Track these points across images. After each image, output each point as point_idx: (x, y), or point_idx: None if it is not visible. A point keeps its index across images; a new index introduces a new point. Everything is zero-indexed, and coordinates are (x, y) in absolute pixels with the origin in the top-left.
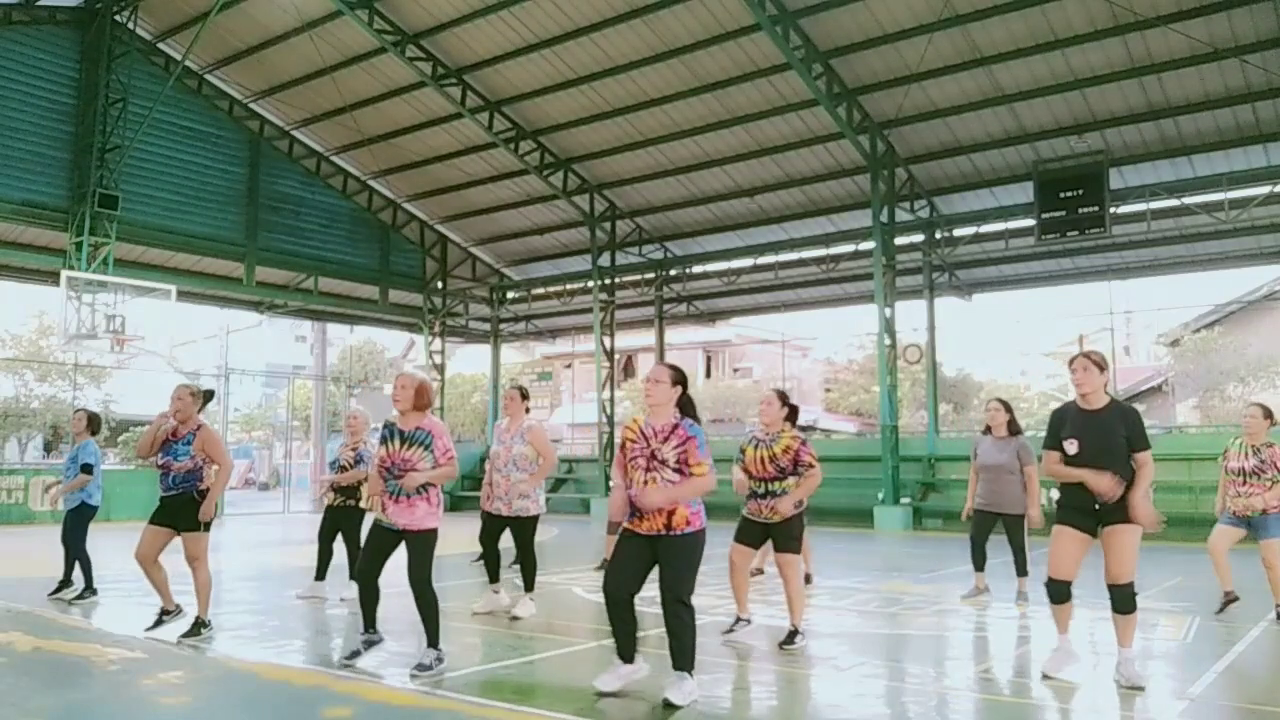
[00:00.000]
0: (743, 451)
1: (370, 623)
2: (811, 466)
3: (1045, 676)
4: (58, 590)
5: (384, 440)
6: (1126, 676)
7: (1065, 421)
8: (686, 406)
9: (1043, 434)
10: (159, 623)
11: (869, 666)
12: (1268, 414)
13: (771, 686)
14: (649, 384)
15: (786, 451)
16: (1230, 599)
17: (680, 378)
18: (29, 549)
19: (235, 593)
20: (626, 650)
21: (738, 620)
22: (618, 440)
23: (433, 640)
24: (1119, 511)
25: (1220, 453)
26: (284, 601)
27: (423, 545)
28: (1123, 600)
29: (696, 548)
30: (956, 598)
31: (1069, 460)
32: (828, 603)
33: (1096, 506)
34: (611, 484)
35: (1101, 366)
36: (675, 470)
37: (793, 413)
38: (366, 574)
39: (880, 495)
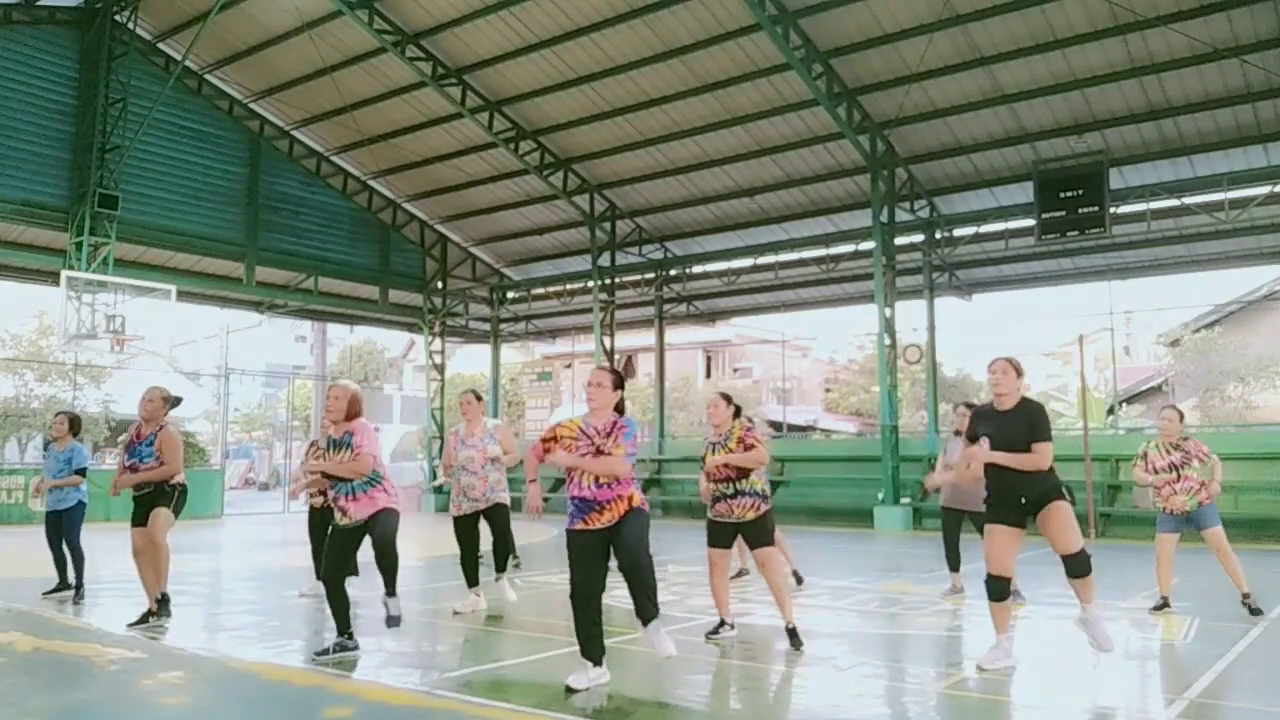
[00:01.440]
0: (703, 459)
1: (344, 626)
2: (754, 446)
3: (980, 668)
4: (56, 590)
5: (325, 451)
6: (1095, 638)
7: (981, 419)
8: (620, 408)
9: None
10: (144, 620)
11: (869, 666)
12: (1182, 417)
13: (771, 686)
14: (592, 388)
15: (740, 442)
16: (1166, 605)
17: (620, 382)
18: (29, 549)
19: (235, 593)
20: (595, 653)
21: (721, 624)
22: (543, 433)
23: (392, 589)
24: (1041, 500)
25: (1136, 457)
26: (284, 601)
27: (387, 519)
28: (1078, 564)
29: (647, 521)
30: (957, 598)
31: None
32: (828, 603)
33: (1022, 500)
34: (528, 480)
35: (1019, 371)
36: None
37: (737, 411)
38: (335, 577)
39: (880, 495)
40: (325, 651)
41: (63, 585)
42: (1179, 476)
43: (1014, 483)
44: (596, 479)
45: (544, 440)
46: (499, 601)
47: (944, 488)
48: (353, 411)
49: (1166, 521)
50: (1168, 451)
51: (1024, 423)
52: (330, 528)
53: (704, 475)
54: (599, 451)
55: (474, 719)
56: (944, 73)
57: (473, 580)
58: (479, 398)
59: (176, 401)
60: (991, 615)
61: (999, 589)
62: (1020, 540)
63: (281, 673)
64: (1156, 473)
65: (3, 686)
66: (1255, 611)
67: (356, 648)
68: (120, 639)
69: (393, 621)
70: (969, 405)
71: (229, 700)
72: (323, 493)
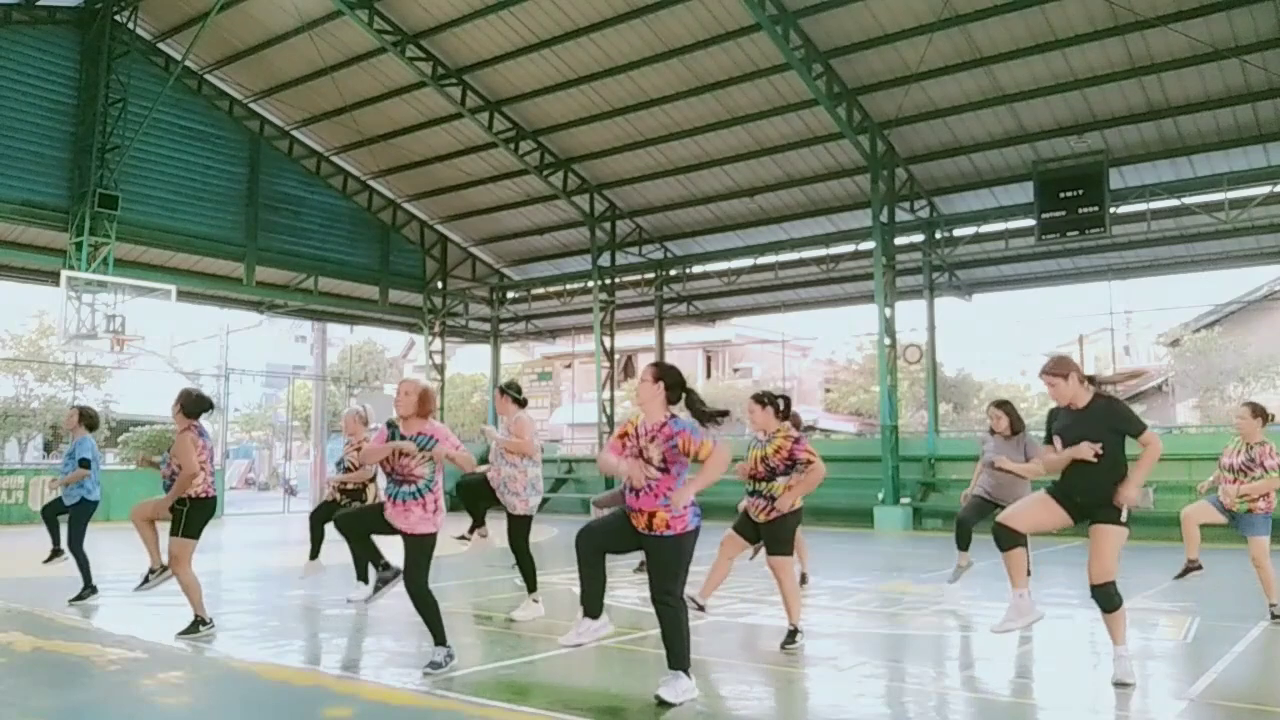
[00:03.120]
0: (748, 450)
1: (375, 558)
2: (810, 463)
3: (994, 632)
4: (80, 596)
5: (389, 440)
6: (1115, 673)
7: (1055, 419)
8: (693, 403)
9: (1042, 432)
10: (145, 581)
11: (869, 666)
12: (1257, 412)
13: (771, 686)
14: (640, 384)
15: (778, 452)
16: (1193, 566)
17: (661, 374)
18: (29, 549)
19: (235, 593)
20: (592, 606)
21: (690, 600)
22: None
23: (439, 639)
24: (1104, 511)
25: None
26: (284, 601)
27: (418, 550)
28: (1104, 599)
29: (678, 550)
30: (956, 597)
31: None
32: (828, 603)
33: (1076, 499)
34: (606, 452)
35: (1064, 375)
36: (659, 468)
37: (786, 408)
38: (352, 528)
39: (880, 495)
40: (437, 665)
41: (88, 589)
42: (1234, 479)
43: (1073, 479)
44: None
45: (617, 438)
46: (503, 598)
47: (984, 478)
48: (424, 409)
49: (1212, 500)
50: (1240, 452)
51: (1104, 421)
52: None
53: (744, 467)
54: (640, 453)
55: (474, 719)
56: (944, 73)
57: (531, 585)
58: (502, 391)
59: (202, 405)
60: (1006, 567)
61: (1007, 538)
62: (1054, 521)
63: (281, 673)
64: (1221, 468)
65: (3, 686)
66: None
67: (397, 574)
68: (120, 639)
69: (433, 666)
70: (1000, 404)
71: (229, 700)
72: (341, 489)
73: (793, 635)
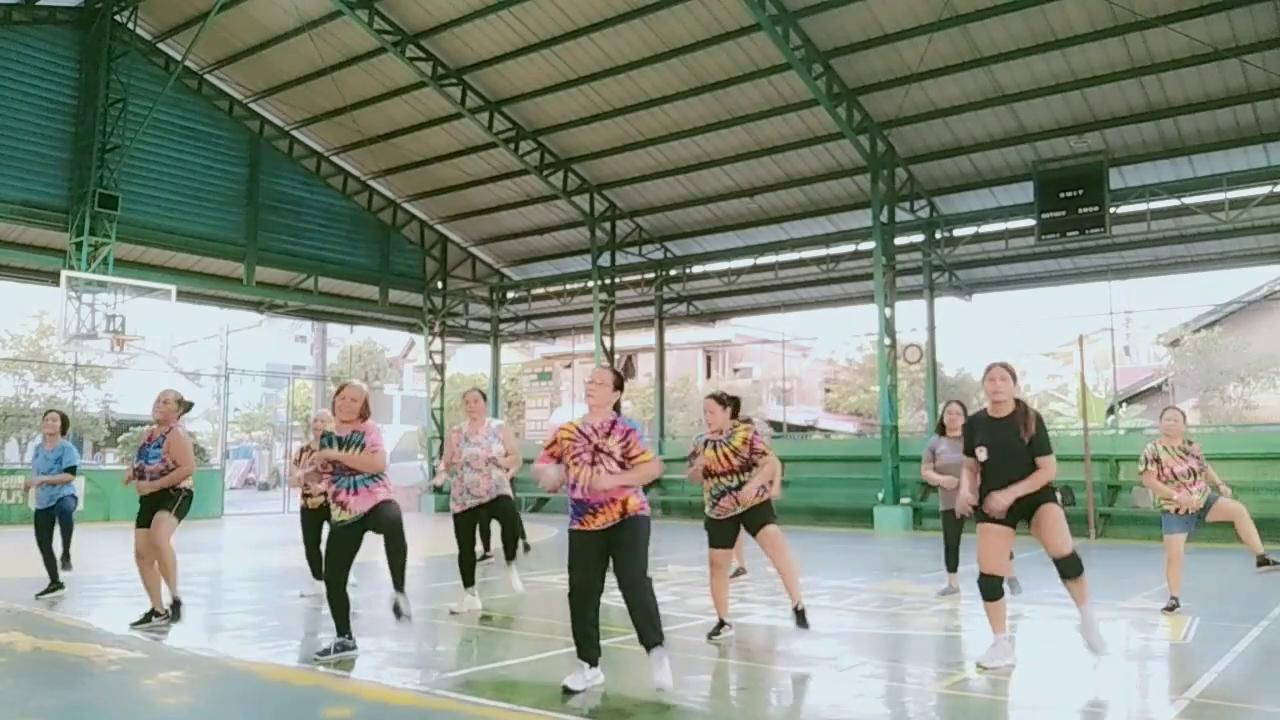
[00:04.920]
0: (694, 454)
1: (343, 627)
2: (765, 454)
3: (980, 667)
4: (48, 591)
5: (324, 448)
6: (1089, 641)
7: (975, 429)
8: (617, 407)
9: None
10: (145, 620)
11: (869, 666)
12: (1185, 418)
13: (771, 686)
14: (592, 385)
15: (745, 443)
16: (1176, 604)
17: (620, 383)
18: (29, 549)
19: (235, 593)
20: (591, 654)
21: (721, 624)
22: (547, 438)
23: (399, 584)
24: (1035, 497)
25: (1142, 460)
26: (284, 601)
27: (390, 506)
28: (1070, 566)
29: (648, 529)
30: (957, 598)
31: (982, 466)
32: (828, 603)
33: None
34: (538, 465)
35: (1015, 376)
36: (619, 463)
37: (735, 407)
38: (336, 578)
39: (880, 495)
40: (325, 652)
41: (55, 585)
42: (1194, 480)
43: (1005, 486)
44: (590, 476)
45: (548, 449)
46: (504, 598)
47: (944, 490)
48: (364, 412)
49: (1176, 522)
50: (1182, 456)
51: (1022, 431)
52: (329, 527)
53: (694, 470)
54: (598, 450)
55: (473, 719)
56: (944, 73)
57: (469, 580)
58: (484, 396)
59: (189, 405)
60: (988, 615)
61: (992, 588)
62: (1012, 539)
63: (281, 673)
64: (1175, 478)
65: (3, 686)
66: (1266, 563)
67: (355, 648)
68: (120, 639)
69: (401, 616)
70: (959, 403)
71: (229, 700)
72: (322, 493)
73: (802, 615)
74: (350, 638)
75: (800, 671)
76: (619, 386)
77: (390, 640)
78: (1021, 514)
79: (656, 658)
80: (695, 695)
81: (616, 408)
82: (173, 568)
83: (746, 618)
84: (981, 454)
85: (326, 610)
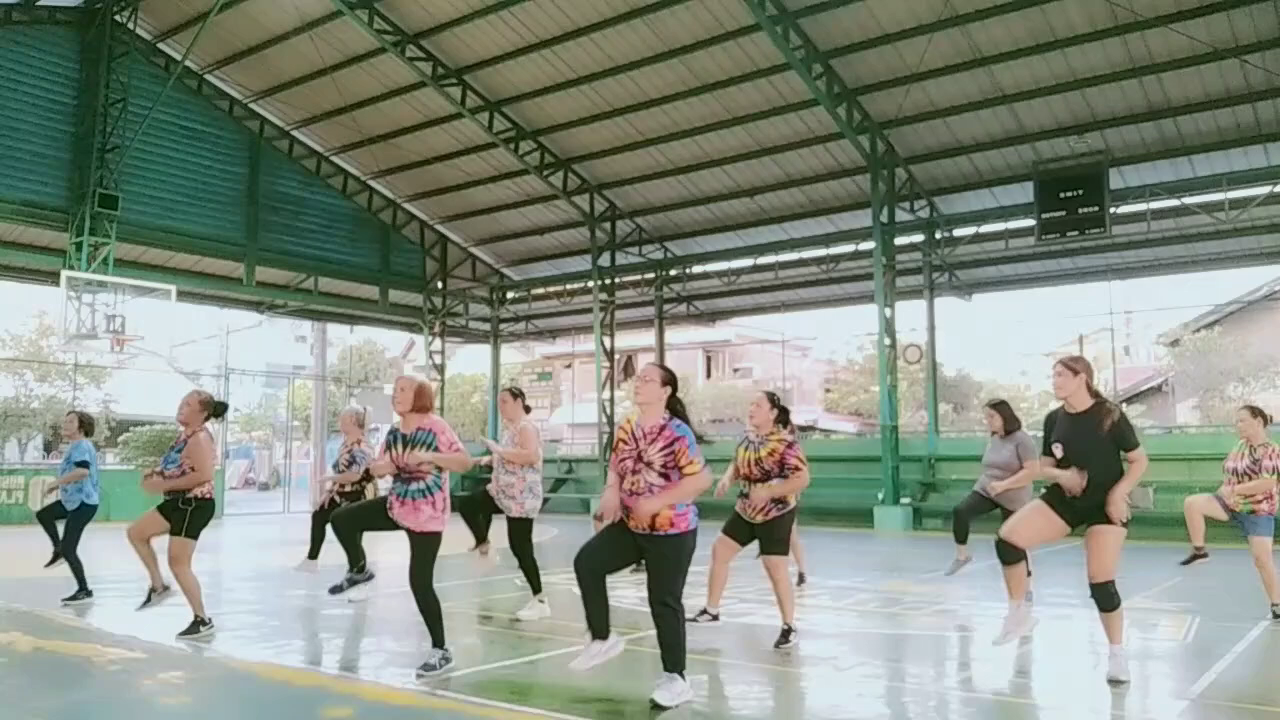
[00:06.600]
0: (736, 453)
1: (355, 558)
2: (798, 469)
3: (998, 642)
4: (74, 597)
5: (389, 446)
6: (1111, 670)
7: (1053, 426)
8: (677, 408)
9: (1038, 432)
10: (147, 601)
11: (869, 666)
12: (1256, 413)
13: (771, 686)
14: (639, 383)
15: (771, 454)
16: (1199, 554)
17: (670, 378)
18: (29, 549)
19: (235, 593)
20: (599, 626)
21: (703, 612)
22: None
23: (437, 641)
24: (1100, 512)
25: (1223, 454)
26: (284, 601)
27: (424, 547)
28: (1104, 598)
29: (681, 549)
30: (957, 597)
31: (1058, 464)
32: (828, 603)
33: (1075, 504)
34: (607, 482)
35: (1075, 370)
36: (660, 474)
37: (783, 414)
38: (347, 521)
39: (880, 495)
40: (339, 588)
41: (82, 591)
42: (1239, 481)
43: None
44: (631, 485)
45: (614, 448)
46: (504, 598)
47: (984, 477)
48: (421, 404)
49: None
50: (1244, 455)
51: (1099, 428)
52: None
53: (729, 475)
54: (639, 457)
55: (474, 719)
56: (944, 73)
57: (535, 586)
58: (513, 395)
59: (220, 407)
60: (1005, 580)
61: (1009, 553)
62: (1054, 532)
63: (281, 673)
64: (1224, 472)
65: (3, 686)
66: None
67: (372, 577)
68: (120, 639)
69: (426, 669)
70: (996, 405)
71: (229, 700)
72: (340, 491)
73: (786, 635)
74: (363, 570)
75: (800, 671)
76: (668, 383)
77: (390, 640)
78: (1084, 518)
79: (666, 678)
80: (695, 695)
81: (673, 409)
82: (194, 590)
83: (746, 618)
84: (1058, 450)
85: (327, 610)
